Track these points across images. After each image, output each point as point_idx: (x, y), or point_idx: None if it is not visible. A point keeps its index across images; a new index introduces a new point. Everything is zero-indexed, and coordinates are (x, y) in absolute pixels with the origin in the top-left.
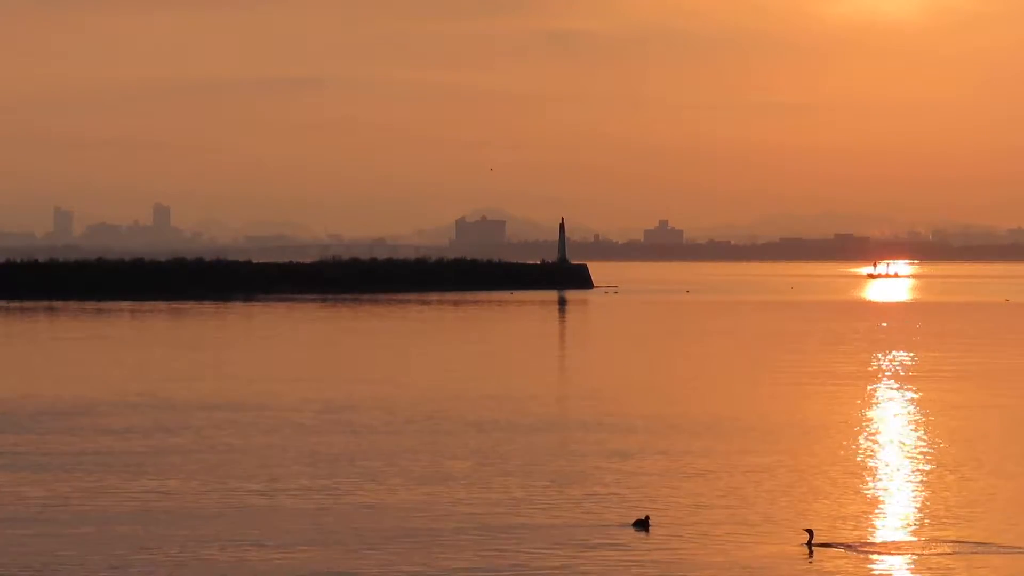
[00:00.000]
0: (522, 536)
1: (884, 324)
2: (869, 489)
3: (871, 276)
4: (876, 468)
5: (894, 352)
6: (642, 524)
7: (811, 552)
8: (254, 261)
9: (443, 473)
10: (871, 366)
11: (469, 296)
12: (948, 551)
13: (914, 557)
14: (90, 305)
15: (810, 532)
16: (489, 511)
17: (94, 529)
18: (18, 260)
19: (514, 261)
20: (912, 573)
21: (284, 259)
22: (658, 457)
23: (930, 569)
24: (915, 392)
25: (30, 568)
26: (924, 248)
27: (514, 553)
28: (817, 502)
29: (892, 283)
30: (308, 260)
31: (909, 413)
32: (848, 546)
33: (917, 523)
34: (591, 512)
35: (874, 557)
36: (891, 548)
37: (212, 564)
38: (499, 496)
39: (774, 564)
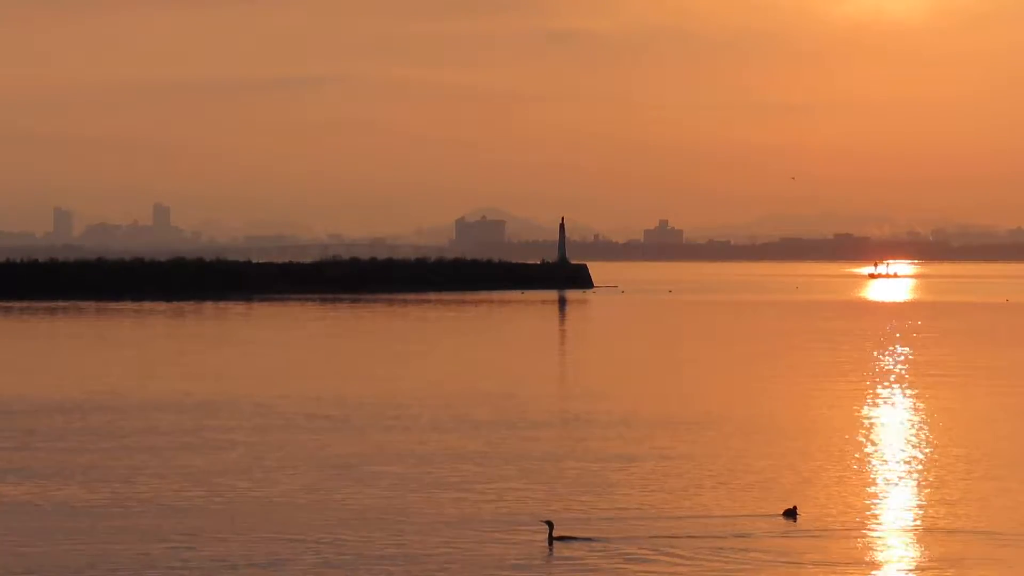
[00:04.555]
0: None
1: (889, 324)
2: (854, 482)
3: (872, 276)
4: (868, 464)
5: (895, 351)
6: (791, 513)
7: (551, 545)
8: (254, 261)
9: (450, 470)
10: (872, 365)
11: (469, 296)
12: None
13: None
14: (90, 305)
15: (550, 524)
16: (499, 510)
17: (85, 527)
18: (18, 260)
19: (514, 261)
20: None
21: (284, 259)
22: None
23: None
24: (915, 390)
25: (19, 567)
26: (924, 248)
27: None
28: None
29: (892, 283)
30: (308, 260)
31: (908, 411)
32: (587, 539)
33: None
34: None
35: (618, 548)
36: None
37: (209, 563)
38: (512, 494)
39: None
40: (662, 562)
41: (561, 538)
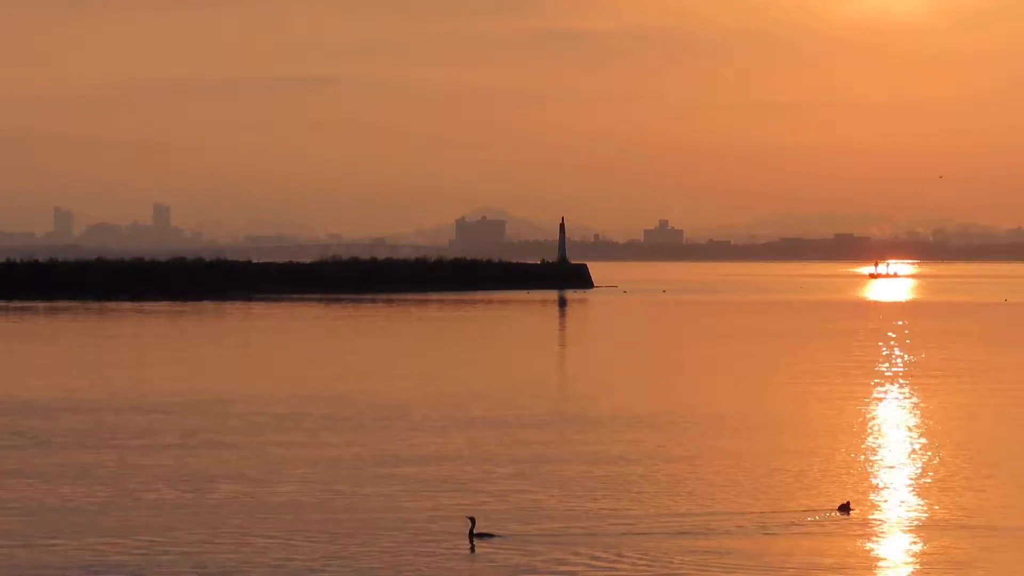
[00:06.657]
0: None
1: (890, 324)
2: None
3: (872, 276)
4: (895, 462)
5: (897, 351)
6: (845, 508)
7: (472, 541)
8: (254, 261)
9: (449, 470)
10: (873, 364)
11: (469, 296)
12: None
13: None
14: (90, 305)
15: (472, 520)
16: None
17: (82, 527)
18: (18, 260)
19: (514, 261)
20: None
21: (284, 259)
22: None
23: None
24: (919, 389)
25: (17, 568)
26: (924, 248)
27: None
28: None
29: (893, 283)
30: (308, 260)
31: (917, 410)
32: (505, 536)
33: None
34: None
35: (538, 547)
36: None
37: (208, 562)
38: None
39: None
40: (720, 562)
41: (481, 535)
